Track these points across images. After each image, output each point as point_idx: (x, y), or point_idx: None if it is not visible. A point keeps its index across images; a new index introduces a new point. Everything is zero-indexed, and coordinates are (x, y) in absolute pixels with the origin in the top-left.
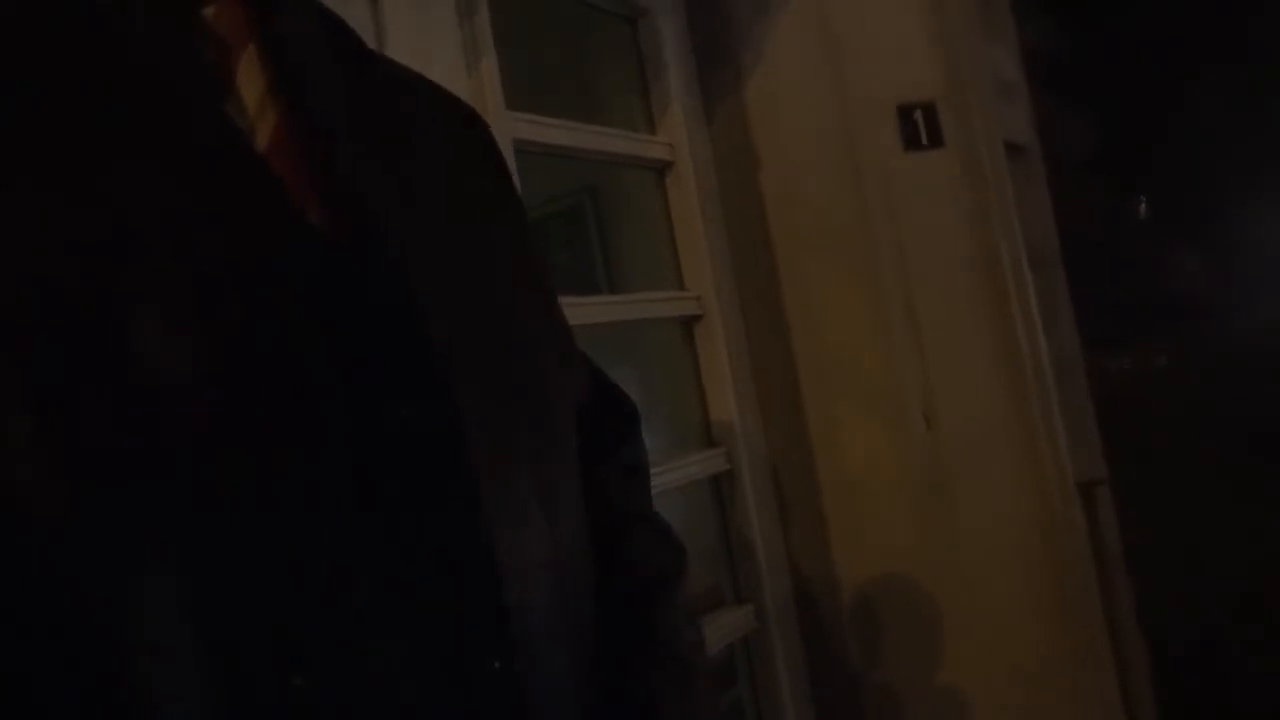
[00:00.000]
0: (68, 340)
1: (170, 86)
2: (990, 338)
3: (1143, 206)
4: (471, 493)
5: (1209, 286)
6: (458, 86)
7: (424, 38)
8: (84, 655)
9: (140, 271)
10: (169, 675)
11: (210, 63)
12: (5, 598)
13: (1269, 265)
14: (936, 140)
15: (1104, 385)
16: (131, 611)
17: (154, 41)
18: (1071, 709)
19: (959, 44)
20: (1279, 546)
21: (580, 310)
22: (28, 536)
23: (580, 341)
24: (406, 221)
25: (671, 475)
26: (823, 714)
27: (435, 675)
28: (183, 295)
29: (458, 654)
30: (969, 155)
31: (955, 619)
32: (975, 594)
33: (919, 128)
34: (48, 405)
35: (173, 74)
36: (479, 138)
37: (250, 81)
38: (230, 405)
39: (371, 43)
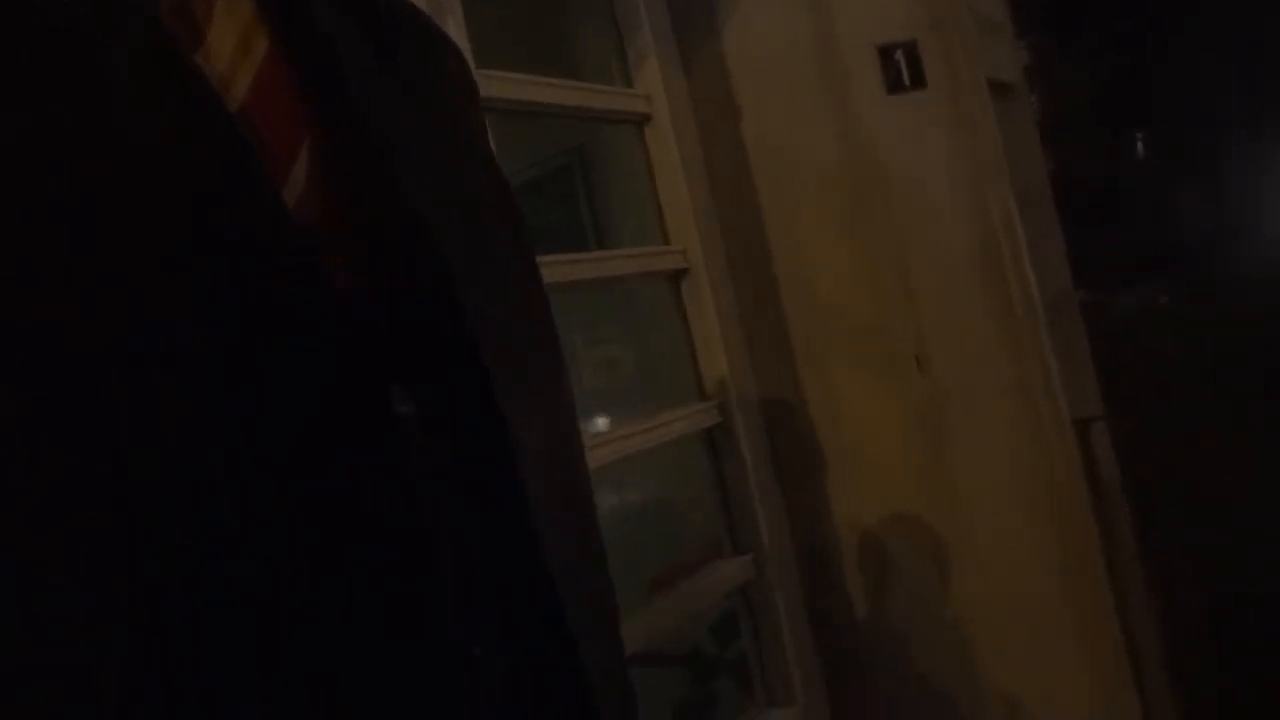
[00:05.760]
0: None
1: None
2: (979, 279)
3: (1140, 144)
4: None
5: (1211, 223)
6: None
7: None
8: None
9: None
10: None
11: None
12: None
13: (1272, 200)
14: (919, 81)
15: (1106, 325)
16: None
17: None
18: (1072, 643)
19: None
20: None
21: (564, 268)
22: None
23: (569, 300)
24: (421, 172)
25: (664, 430)
26: (826, 658)
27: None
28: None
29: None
30: (952, 95)
31: (954, 558)
32: (973, 533)
33: (901, 69)
34: None
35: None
36: (460, 67)
37: (231, 16)
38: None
39: None
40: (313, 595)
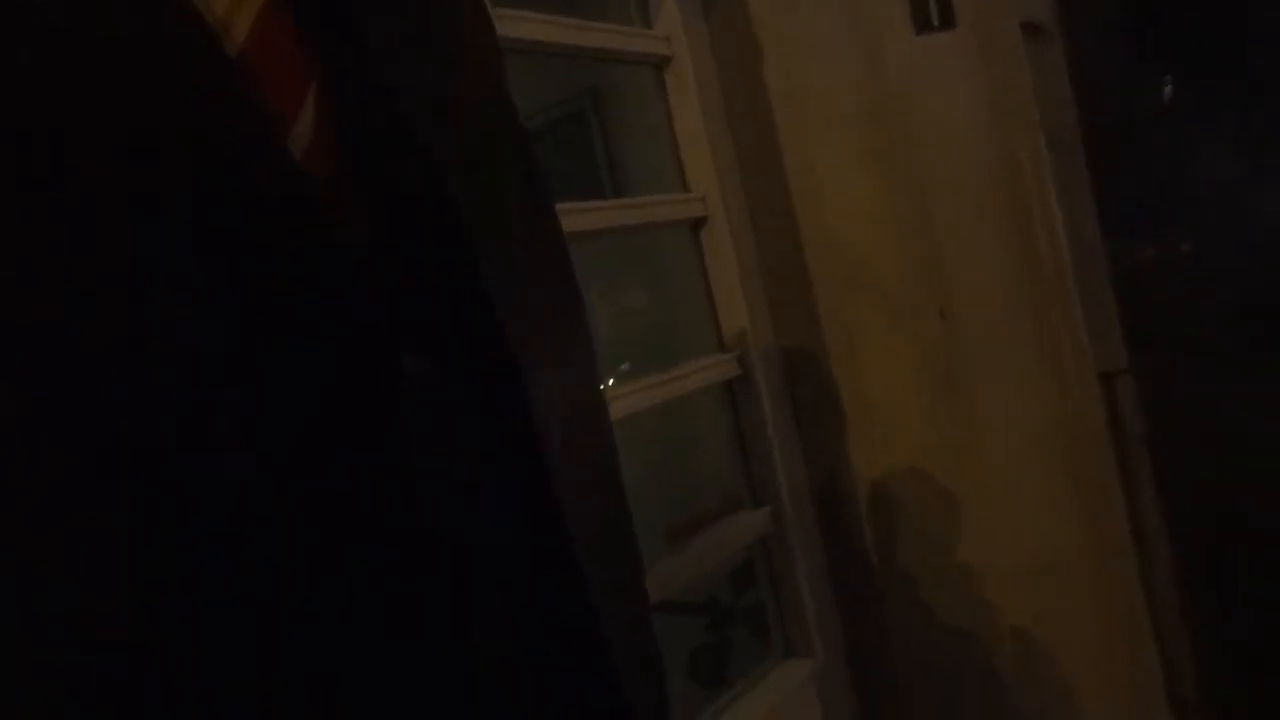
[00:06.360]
0: None
1: None
2: (1007, 227)
3: (1168, 88)
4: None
5: (1236, 169)
6: None
7: None
8: None
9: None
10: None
11: None
12: None
13: None
14: (948, 20)
15: (1128, 274)
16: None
17: None
18: (1091, 598)
19: None
20: None
21: (580, 217)
22: None
23: (585, 249)
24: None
25: (683, 382)
26: (844, 610)
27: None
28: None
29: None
30: (983, 36)
31: (974, 511)
32: (994, 486)
33: (930, 8)
34: None
35: None
36: (476, 6)
37: None
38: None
39: None
40: (321, 568)
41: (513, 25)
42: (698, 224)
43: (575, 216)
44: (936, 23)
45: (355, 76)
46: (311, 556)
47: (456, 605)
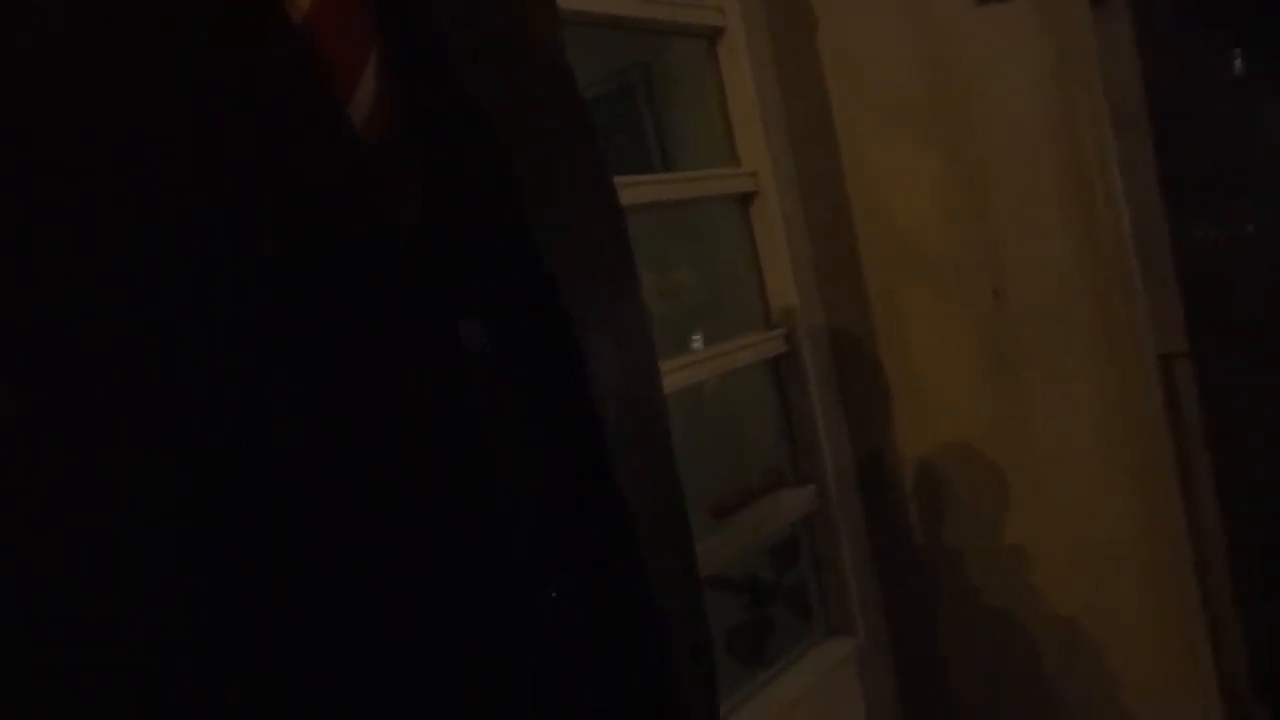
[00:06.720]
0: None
1: None
2: (1067, 205)
3: (1238, 62)
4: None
5: None
6: None
7: None
8: None
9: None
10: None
11: None
12: None
13: None
14: None
15: (1189, 254)
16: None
17: None
18: (1144, 586)
19: None
20: None
21: (629, 191)
22: None
23: (633, 223)
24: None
25: (729, 359)
26: (887, 590)
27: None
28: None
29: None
30: (1046, 7)
31: (1024, 495)
32: (1045, 469)
33: None
34: None
35: None
36: None
37: None
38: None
39: None
40: (375, 544)
41: None
42: (747, 199)
43: (624, 190)
44: None
45: (415, 45)
46: (364, 532)
47: (510, 584)
